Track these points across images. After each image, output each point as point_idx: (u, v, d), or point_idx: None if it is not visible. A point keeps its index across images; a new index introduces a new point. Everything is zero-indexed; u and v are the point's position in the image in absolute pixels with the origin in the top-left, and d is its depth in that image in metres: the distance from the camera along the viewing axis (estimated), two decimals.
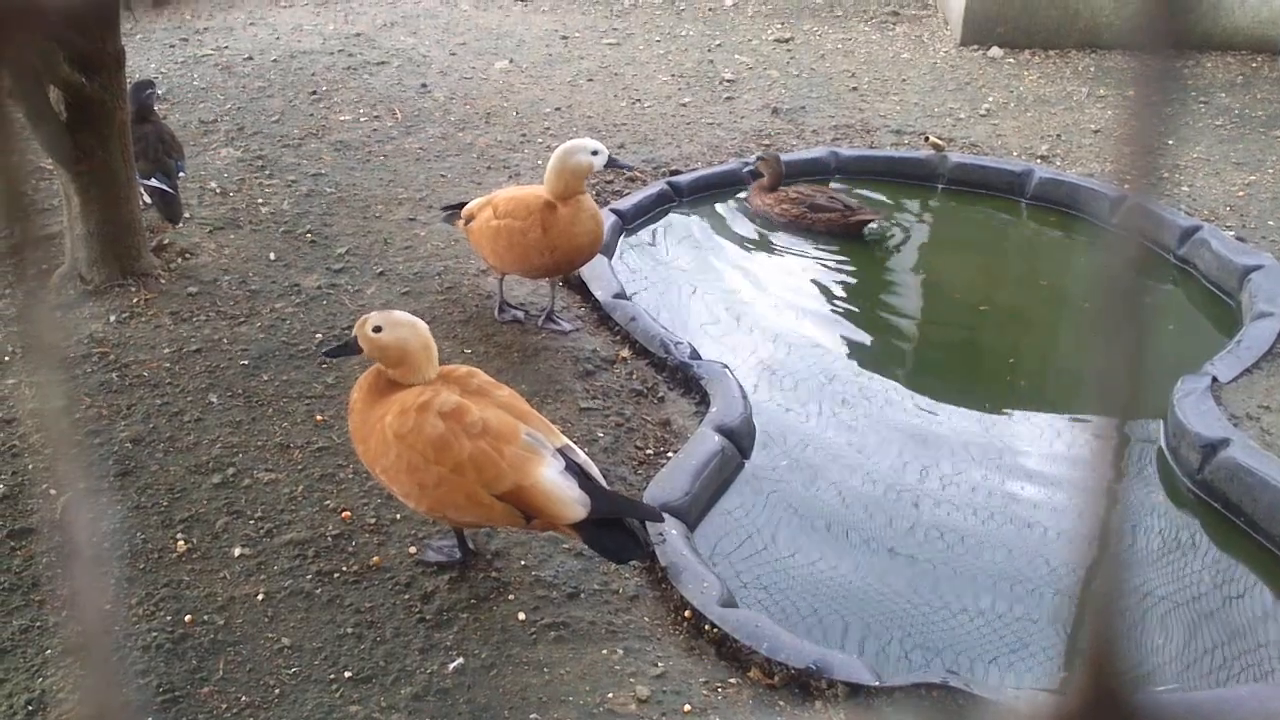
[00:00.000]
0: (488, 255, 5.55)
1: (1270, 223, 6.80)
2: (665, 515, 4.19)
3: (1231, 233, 6.63)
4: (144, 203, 5.91)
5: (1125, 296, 0.55)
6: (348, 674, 3.63)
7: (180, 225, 6.19)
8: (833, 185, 7.52)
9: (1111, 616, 0.57)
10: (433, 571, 4.03)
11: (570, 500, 3.59)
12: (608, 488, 3.80)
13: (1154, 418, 5.14)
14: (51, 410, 0.55)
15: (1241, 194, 7.20)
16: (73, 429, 0.55)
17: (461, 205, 5.86)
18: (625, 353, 5.52)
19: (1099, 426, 0.57)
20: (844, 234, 7.01)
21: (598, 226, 5.41)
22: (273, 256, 6.09)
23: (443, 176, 7.27)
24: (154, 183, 5.92)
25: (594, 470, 3.76)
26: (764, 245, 6.97)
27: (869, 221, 7.03)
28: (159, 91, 6.46)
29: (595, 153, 5.24)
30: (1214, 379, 5.19)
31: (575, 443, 4.02)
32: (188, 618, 3.81)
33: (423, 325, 3.85)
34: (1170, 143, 7.53)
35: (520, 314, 5.69)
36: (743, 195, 7.40)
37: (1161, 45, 0.52)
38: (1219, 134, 8.13)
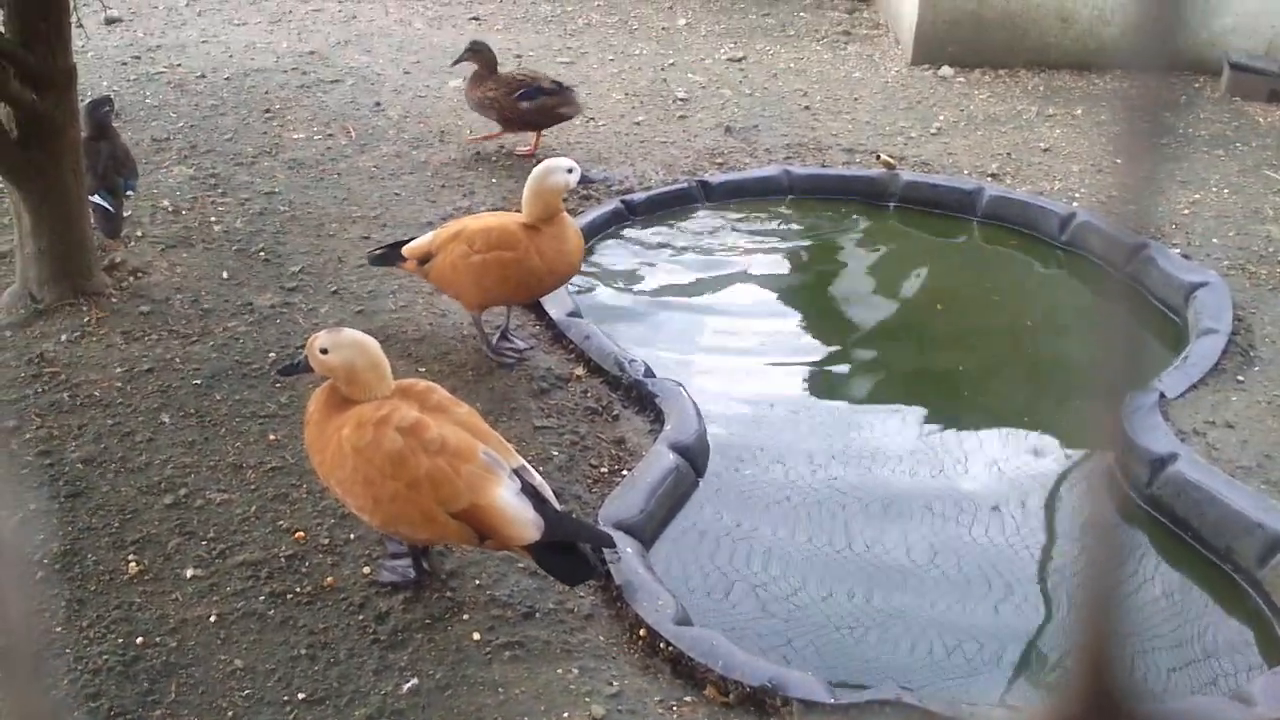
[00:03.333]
0: (468, 291, 5.31)
1: (1215, 240, 6.90)
2: (620, 534, 4.20)
3: (1177, 250, 6.73)
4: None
5: (1121, 344, 0.56)
6: (301, 696, 3.61)
7: (130, 243, 6.14)
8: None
9: (1108, 620, 0.57)
10: (387, 592, 4.02)
11: (525, 521, 3.61)
12: (561, 510, 3.81)
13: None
14: None
15: (1187, 212, 7.30)
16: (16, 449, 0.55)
17: (396, 245, 5.63)
18: (580, 371, 5.52)
19: (1094, 443, 0.58)
20: (548, 121, 7.94)
21: (581, 240, 5.42)
22: (225, 275, 6.06)
23: (397, 195, 7.26)
24: (96, 199, 5.86)
25: (548, 492, 3.78)
26: (718, 263, 7.00)
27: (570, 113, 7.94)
28: (114, 107, 6.40)
29: (570, 170, 5.25)
30: (1161, 395, 5.27)
31: (530, 461, 4.03)
32: (139, 640, 3.78)
33: (371, 344, 3.84)
34: (1119, 162, 7.59)
35: (521, 345, 5.64)
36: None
37: (1154, 66, 0.53)
38: (1163, 153, 8.24)
